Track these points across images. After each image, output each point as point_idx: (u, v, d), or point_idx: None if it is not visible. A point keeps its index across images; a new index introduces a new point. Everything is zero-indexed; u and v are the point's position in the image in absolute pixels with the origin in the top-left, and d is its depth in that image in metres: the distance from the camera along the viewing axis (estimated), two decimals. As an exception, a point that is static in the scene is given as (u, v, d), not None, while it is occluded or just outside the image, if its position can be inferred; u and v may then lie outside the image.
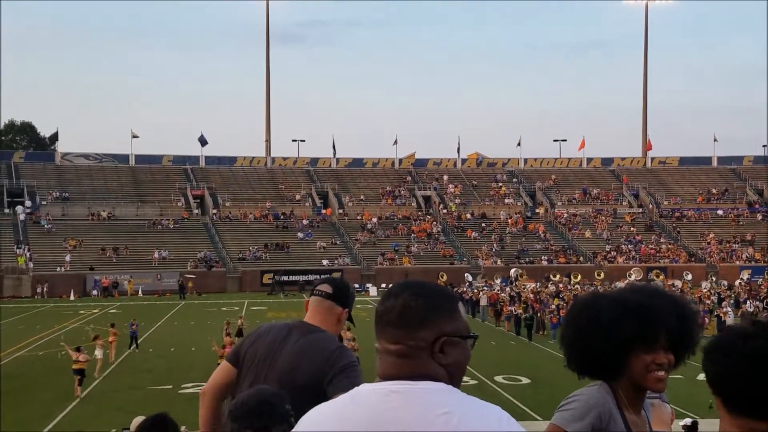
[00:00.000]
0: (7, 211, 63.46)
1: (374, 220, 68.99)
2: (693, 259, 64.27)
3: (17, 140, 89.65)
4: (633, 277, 54.00)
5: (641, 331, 2.42)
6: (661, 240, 67.92)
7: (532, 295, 39.86)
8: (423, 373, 1.80)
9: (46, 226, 62.13)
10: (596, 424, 2.39)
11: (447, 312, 1.86)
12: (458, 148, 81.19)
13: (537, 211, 73.19)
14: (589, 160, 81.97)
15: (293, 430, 1.90)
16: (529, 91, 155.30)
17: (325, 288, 3.57)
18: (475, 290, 45.12)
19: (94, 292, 54.80)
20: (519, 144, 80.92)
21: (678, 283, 48.63)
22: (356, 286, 57.00)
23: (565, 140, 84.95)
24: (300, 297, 52.37)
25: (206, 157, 75.56)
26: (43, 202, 65.39)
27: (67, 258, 57.35)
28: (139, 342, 29.24)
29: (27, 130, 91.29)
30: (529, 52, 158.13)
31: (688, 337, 2.49)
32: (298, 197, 71.72)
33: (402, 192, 74.80)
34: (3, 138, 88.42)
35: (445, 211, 72.10)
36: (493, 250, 65.12)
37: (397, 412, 1.74)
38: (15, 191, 65.83)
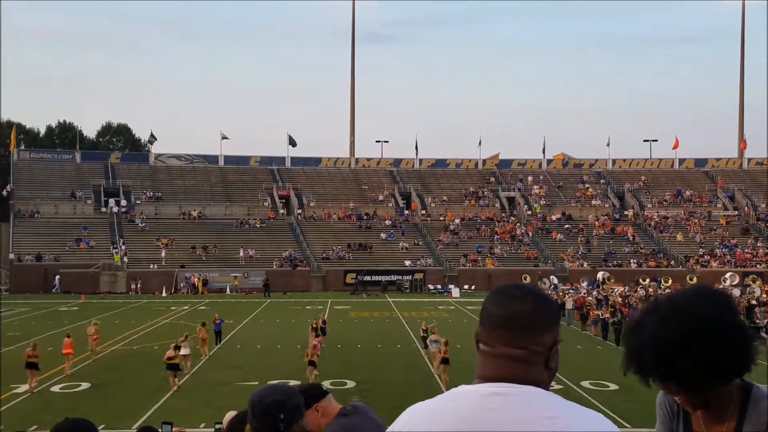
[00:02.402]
0: (104, 210, 66.26)
1: (457, 221, 68.69)
2: (793, 264, 61.33)
3: (114, 141, 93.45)
4: (728, 282, 51.98)
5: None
6: (758, 244, 65.07)
7: (620, 299, 38.85)
8: (531, 378, 1.80)
9: (140, 224, 64.55)
10: (662, 416, 2.40)
11: (558, 317, 1.91)
12: (543, 149, 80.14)
13: (625, 213, 71.35)
14: (682, 160, 79.39)
15: (391, 427, 1.88)
16: (618, 89, 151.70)
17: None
18: (561, 293, 44.31)
19: (184, 287, 56.52)
20: (608, 144, 79.27)
21: (776, 289, 46.41)
22: (438, 287, 56.95)
23: (656, 140, 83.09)
24: (383, 297, 52.61)
25: (292, 158, 76.97)
26: (138, 201, 67.96)
27: (163, 254, 59.48)
28: (226, 339, 30.02)
29: (123, 131, 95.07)
30: (617, 48, 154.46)
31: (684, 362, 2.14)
32: (381, 198, 72.14)
33: (485, 193, 74.22)
34: (100, 140, 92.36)
35: (529, 212, 71.14)
36: (579, 252, 63.82)
37: (497, 413, 1.73)
38: (111, 191, 68.67)
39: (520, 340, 1.82)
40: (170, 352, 20.80)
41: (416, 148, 78.98)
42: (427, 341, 24.23)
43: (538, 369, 1.82)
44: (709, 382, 2.16)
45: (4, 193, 67.68)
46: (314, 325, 27.58)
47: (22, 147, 77.45)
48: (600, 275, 55.32)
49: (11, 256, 58.19)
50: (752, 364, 2.20)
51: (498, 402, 1.75)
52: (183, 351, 22.82)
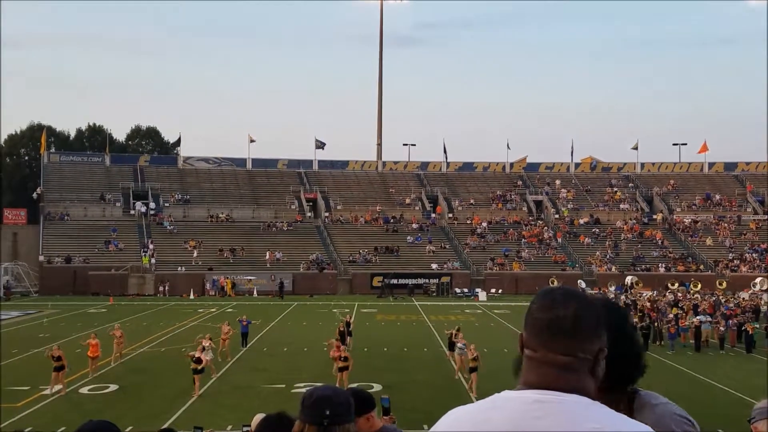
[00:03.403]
0: (132, 212, 66.94)
1: (484, 224, 68.41)
2: (826, 269, 60.19)
3: (143, 144, 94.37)
4: (758, 287, 51.23)
5: None
6: (791, 249, 63.99)
7: (648, 304, 38.43)
8: (576, 385, 1.74)
9: (168, 227, 65.09)
10: None
11: (603, 323, 1.83)
12: (571, 152, 79.57)
13: (654, 217, 70.59)
14: (711, 164, 78.42)
15: (434, 427, 1.85)
16: (646, 92, 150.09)
17: None
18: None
19: (211, 290, 56.87)
20: (636, 147, 78.48)
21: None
22: (465, 290, 56.73)
23: (685, 144, 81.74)
24: (409, 300, 52.54)
25: (319, 161, 77.18)
26: (166, 204, 68.54)
27: (195, 254, 60.00)
28: (252, 341, 30.11)
29: (152, 134, 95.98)
30: (646, 51, 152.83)
31: None
32: (408, 201, 72.07)
33: (513, 196, 73.84)
34: (130, 143, 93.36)
35: (557, 216, 70.65)
36: (607, 256, 63.24)
37: (541, 422, 1.68)
38: (140, 193, 69.34)
39: (564, 346, 1.76)
40: (197, 355, 20.88)
41: (444, 151, 78.89)
42: (456, 347, 24.05)
43: (583, 376, 1.76)
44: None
45: (35, 195, 68.67)
46: (341, 329, 27.57)
47: (53, 150, 78.51)
48: (628, 279, 54.75)
49: (41, 258, 59.02)
50: (641, 374, 2.20)
51: (541, 410, 1.70)
52: (208, 355, 22.91)
